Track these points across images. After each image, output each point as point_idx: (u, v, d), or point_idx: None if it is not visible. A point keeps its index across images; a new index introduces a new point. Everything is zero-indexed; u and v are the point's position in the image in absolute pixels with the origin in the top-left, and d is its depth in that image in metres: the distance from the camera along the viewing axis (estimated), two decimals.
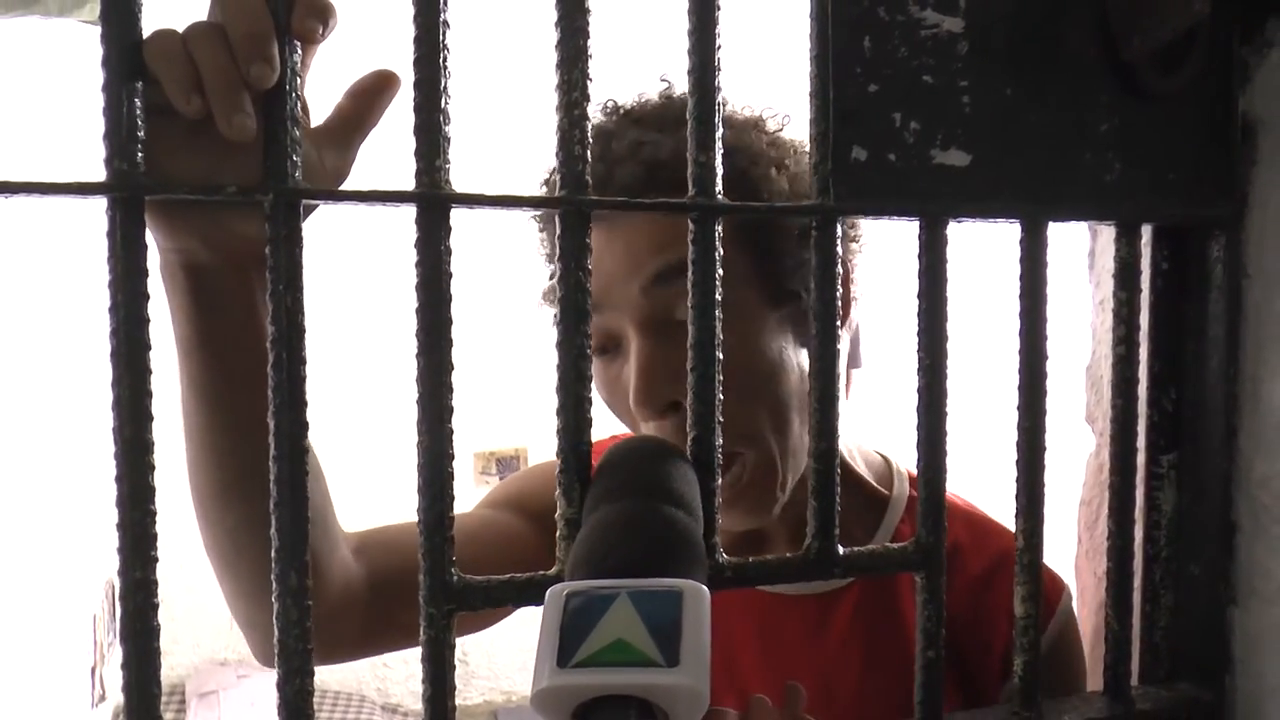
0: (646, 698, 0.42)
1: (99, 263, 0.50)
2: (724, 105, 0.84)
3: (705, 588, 0.46)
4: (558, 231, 0.56)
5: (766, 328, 0.80)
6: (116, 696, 3.44)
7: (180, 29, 0.52)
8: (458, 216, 0.55)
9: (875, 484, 0.93)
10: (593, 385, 0.58)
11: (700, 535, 0.53)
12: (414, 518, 0.59)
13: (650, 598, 0.44)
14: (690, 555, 0.50)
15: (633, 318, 0.77)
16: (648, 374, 0.76)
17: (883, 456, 0.98)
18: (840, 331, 0.63)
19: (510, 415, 4.11)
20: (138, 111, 0.50)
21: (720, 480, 0.68)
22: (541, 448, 4.27)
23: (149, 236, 0.52)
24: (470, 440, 4.07)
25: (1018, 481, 0.67)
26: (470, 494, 0.56)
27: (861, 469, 0.94)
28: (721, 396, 0.60)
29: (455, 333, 0.55)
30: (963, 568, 0.85)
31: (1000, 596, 0.82)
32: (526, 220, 0.88)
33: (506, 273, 3.67)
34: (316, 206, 0.58)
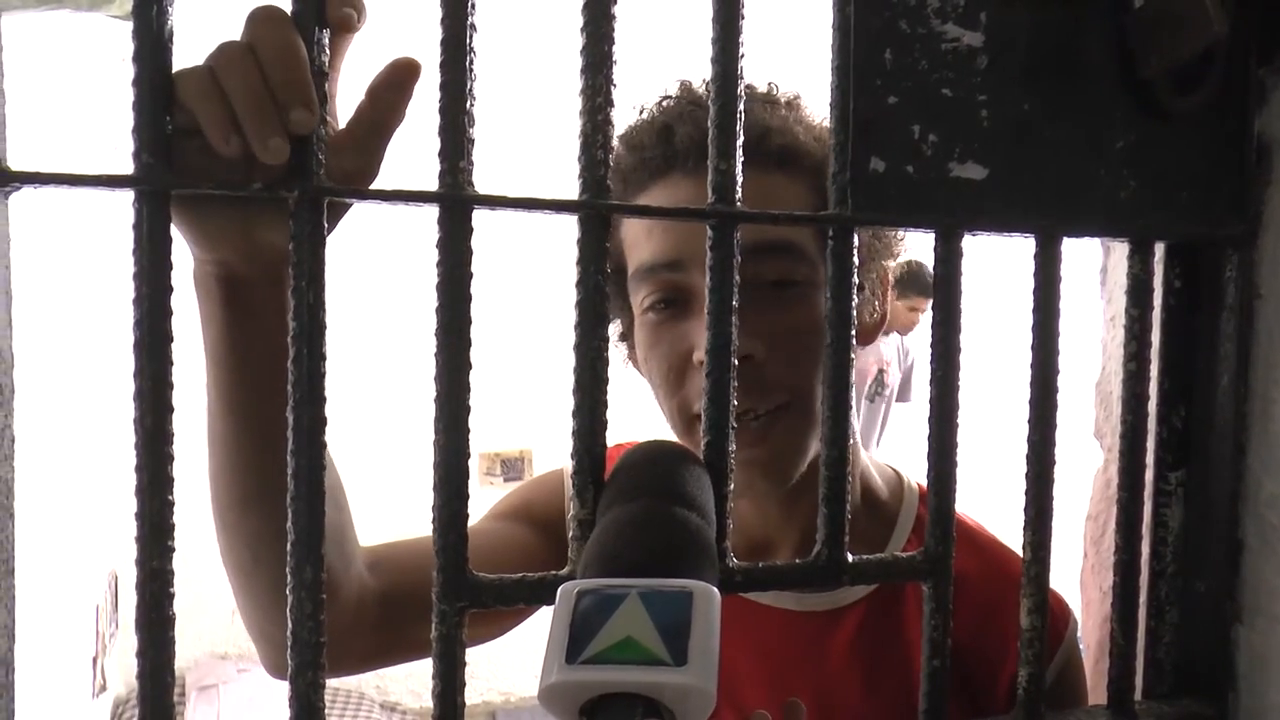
0: (653, 696, 0.42)
1: (105, 256, 0.51)
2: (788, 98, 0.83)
3: (716, 590, 0.46)
4: (577, 235, 0.57)
5: (821, 277, 0.78)
6: (117, 687, 3.44)
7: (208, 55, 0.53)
8: (477, 218, 0.55)
9: (887, 496, 0.93)
10: (608, 385, 0.59)
11: (712, 538, 0.53)
12: (427, 528, 0.59)
13: (660, 598, 0.45)
14: (701, 557, 0.50)
15: None
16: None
17: (894, 470, 0.98)
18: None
19: (515, 417, 4.12)
20: (165, 107, 0.51)
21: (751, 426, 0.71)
22: (546, 449, 4.27)
23: (173, 231, 0.52)
24: (475, 441, 4.07)
25: (1026, 494, 0.67)
26: (475, 495, 0.56)
27: (876, 481, 0.94)
28: (733, 378, 0.60)
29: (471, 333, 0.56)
30: (971, 597, 0.84)
31: (1008, 621, 0.82)
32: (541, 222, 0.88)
33: (511, 275, 3.69)
34: (348, 209, 0.58)
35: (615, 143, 0.78)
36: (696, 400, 0.77)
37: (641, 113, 0.83)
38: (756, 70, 0.63)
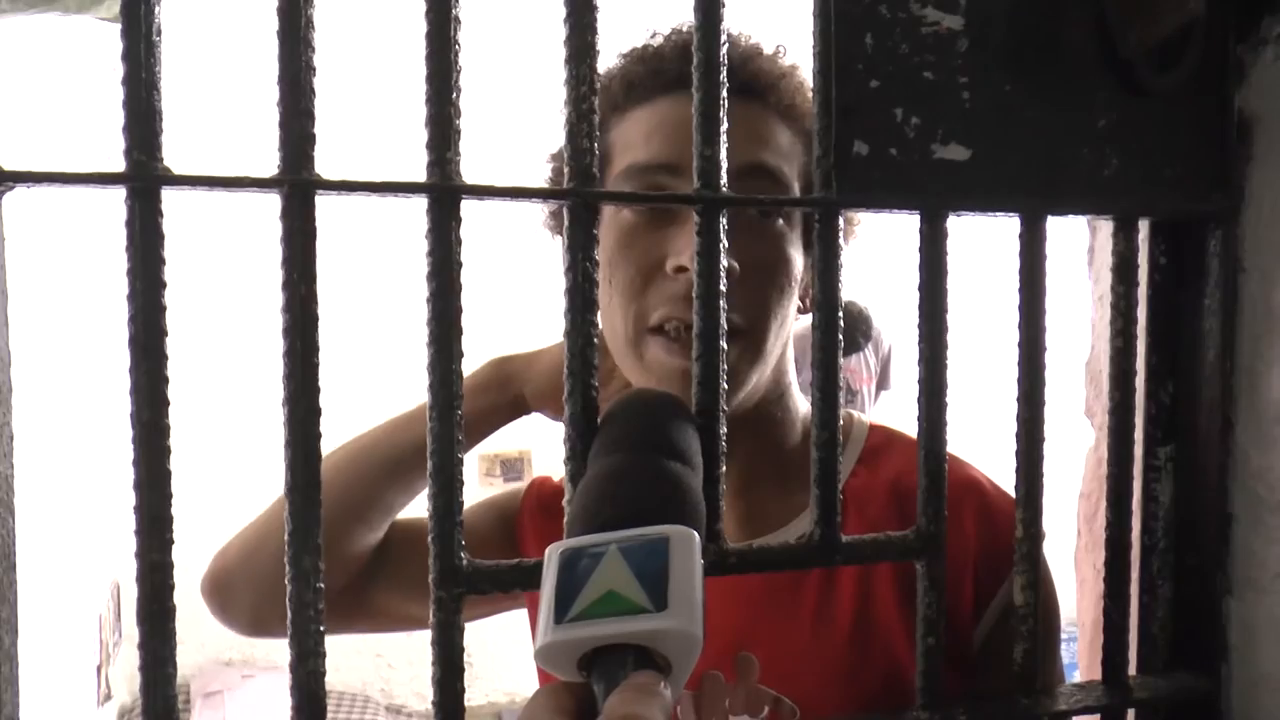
0: (640, 643, 0.44)
1: (98, 255, 0.51)
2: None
3: (694, 531, 0.47)
4: (566, 221, 0.57)
5: (793, 217, 0.80)
6: (122, 696, 3.45)
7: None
8: (466, 208, 0.56)
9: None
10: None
11: (696, 484, 0.54)
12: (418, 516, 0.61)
13: (639, 548, 0.46)
14: (681, 503, 0.51)
15: None
16: None
17: (846, 412, 0.96)
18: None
19: None
20: (156, 104, 0.52)
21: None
22: (545, 450, 4.27)
23: (165, 230, 0.53)
24: None
25: (1017, 472, 0.68)
26: (475, 496, 0.58)
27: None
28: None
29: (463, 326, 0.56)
30: None
31: (964, 523, 0.80)
32: (531, 212, 0.88)
33: (507, 271, 3.68)
34: None
35: (619, 58, 0.82)
36: (655, 309, 0.77)
37: (653, 37, 0.83)
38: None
